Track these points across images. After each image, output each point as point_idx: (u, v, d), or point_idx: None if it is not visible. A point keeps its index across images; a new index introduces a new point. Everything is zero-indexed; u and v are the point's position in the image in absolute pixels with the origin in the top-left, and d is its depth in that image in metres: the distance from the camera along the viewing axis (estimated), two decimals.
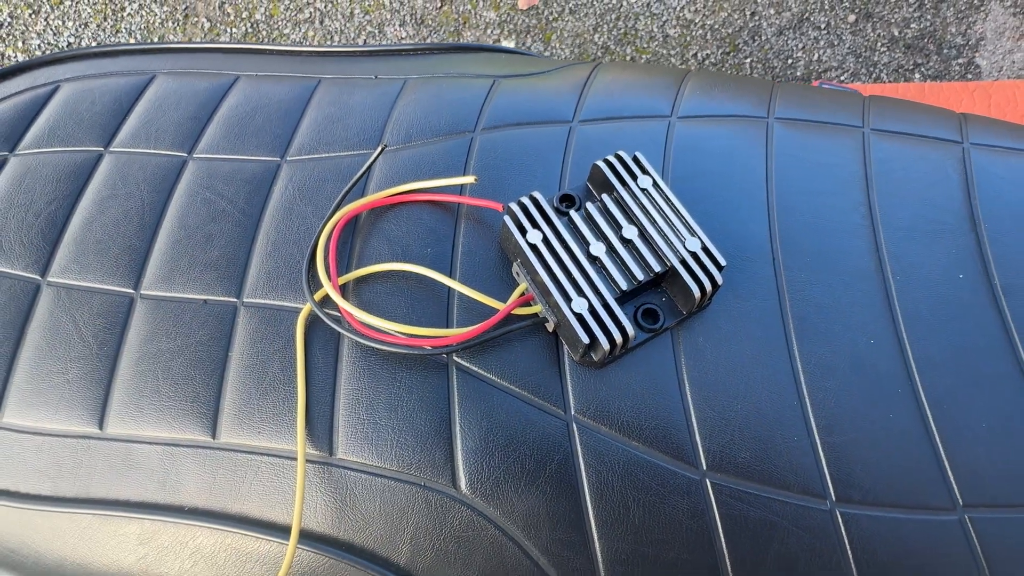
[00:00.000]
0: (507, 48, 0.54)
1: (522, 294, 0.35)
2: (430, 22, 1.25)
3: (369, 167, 0.41)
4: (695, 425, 0.33)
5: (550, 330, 0.35)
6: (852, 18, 1.25)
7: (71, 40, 1.24)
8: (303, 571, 0.34)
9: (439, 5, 1.26)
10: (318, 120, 0.45)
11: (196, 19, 1.26)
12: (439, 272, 0.36)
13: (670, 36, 1.25)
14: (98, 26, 1.25)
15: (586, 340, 0.33)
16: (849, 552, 0.32)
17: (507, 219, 0.36)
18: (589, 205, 0.37)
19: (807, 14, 1.25)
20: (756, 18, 1.25)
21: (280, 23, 1.26)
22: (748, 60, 1.24)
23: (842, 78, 1.23)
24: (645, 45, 1.25)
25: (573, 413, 0.34)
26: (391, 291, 0.37)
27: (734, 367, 0.35)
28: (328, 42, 1.26)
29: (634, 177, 0.37)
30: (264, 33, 1.25)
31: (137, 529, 0.35)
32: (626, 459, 0.33)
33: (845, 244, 0.38)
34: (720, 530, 0.32)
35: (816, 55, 1.24)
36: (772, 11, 1.25)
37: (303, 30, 1.26)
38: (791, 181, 0.40)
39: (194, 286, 0.39)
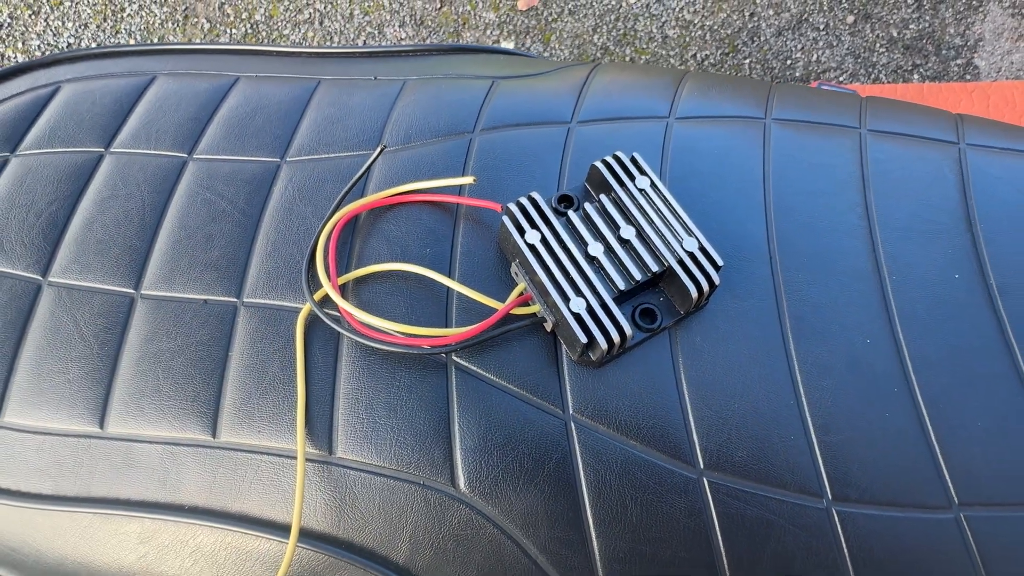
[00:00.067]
0: (506, 49, 0.54)
1: (520, 294, 0.36)
2: (429, 23, 1.25)
3: (368, 168, 0.41)
4: (692, 424, 0.34)
5: (548, 330, 0.36)
6: (851, 19, 1.25)
7: (71, 41, 1.24)
8: (303, 569, 0.34)
9: (438, 6, 1.26)
10: (318, 121, 0.45)
11: (196, 20, 1.26)
12: (438, 272, 0.37)
13: (669, 37, 1.25)
14: (98, 27, 1.25)
15: (584, 340, 0.33)
16: (845, 550, 0.32)
17: (506, 219, 0.36)
18: (587, 205, 0.37)
19: (806, 15, 1.26)
20: (755, 19, 1.26)
21: (280, 24, 1.26)
22: (747, 61, 1.24)
23: (841, 79, 1.23)
24: (644, 46, 1.25)
25: (571, 412, 0.34)
26: (390, 291, 0.38)
27: (731, 366, 0.35)
28: (327, 43, 1.26)
29: (632, 178, 0.38)
30: (264, 34, 1.26)
31: (138, 528, 0.35)
32: (624, 458, 0.33)
33: (842, 244, 0.38)
34: (717, 528, 0.32)
35: (815, 56, 1.24)
36: (771, 12, 1.26)
37: (303, 31, 1.26)
38: (788, 182, 0.40)
39: (194, 286, 0.39)
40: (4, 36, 1.23)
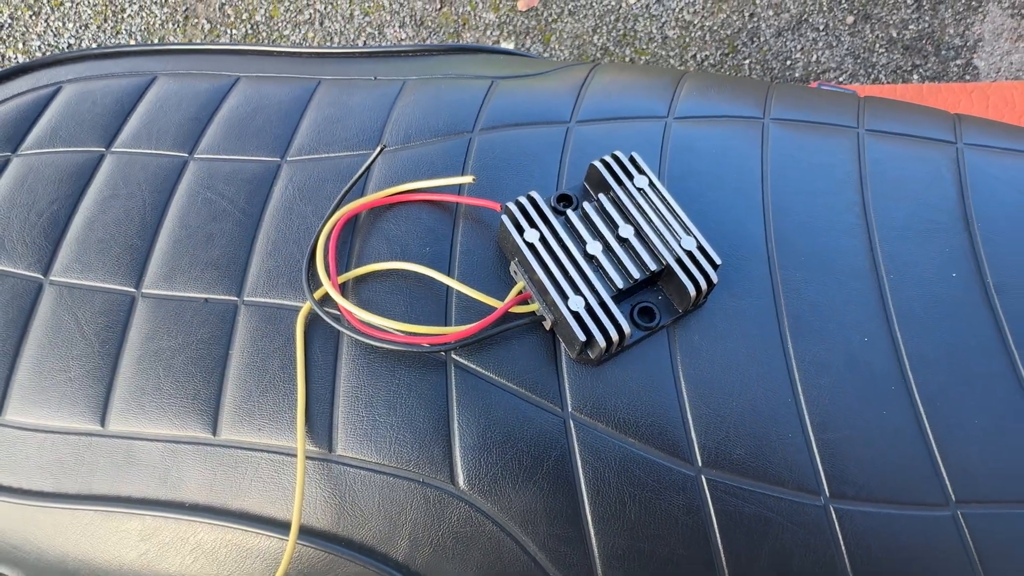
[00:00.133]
0: (505, 49, 0.54)
1: (519, 292, 0.36)
2: (429, 24, 1.26)
3: (368, 167, 0.41)
4: (691, 422, 0.34)
5: (547, 328, 0.36)
6: (850, 19, 1.26)
7: (71, 42, 1.24)
8: (303, 566, 0.34)
9: (438, 7, 1.26)
10: (318, 121, 0.45)
11: (196, 21, 1.26)
12: (438, 271, 0.37)
13: (669, 37, 1.25)
14: (98, 27, 1.25)
15: (583, 338, 0.33)
16: (843, 547, 0.32)
17: (505, 218, 0.36)
18: (586, 205, 0.37)
19: (805, 15, 1.26)
20: (755, 19, 1.26)
21: (280, 25, 1.26)
22: (747, 62, 1.24)
23: (840, 79, 1.23)
24: (644, 46, 1.25)
25: (570, 410, 0.34)
26: (390, 290, 0.38)
27: (729, 365, 0.35)
28: (328, 44, 1.26)
29: (630, 177, 0.38)
30: (264, 35, 1.26)
31: (138, 525, 0.36)
32: (622, 455, 0.33)
33: (840, 243, 0.38)
34: (715, 526, 0.32)
35: (815, 56, 1.24)
36: (771, 12, 1.26)
37: (303, 31, 1.26)
38: (787, 181, 0.41)
39: (195, 285, 0.39)
40: (5, 37, 1.24)
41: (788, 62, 1.24)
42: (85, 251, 0.41)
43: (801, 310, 0.36)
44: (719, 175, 0.41)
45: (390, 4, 1.26)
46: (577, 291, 0.34)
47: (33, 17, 1.25)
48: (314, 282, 0.38)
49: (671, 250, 0.36)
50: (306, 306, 0.37)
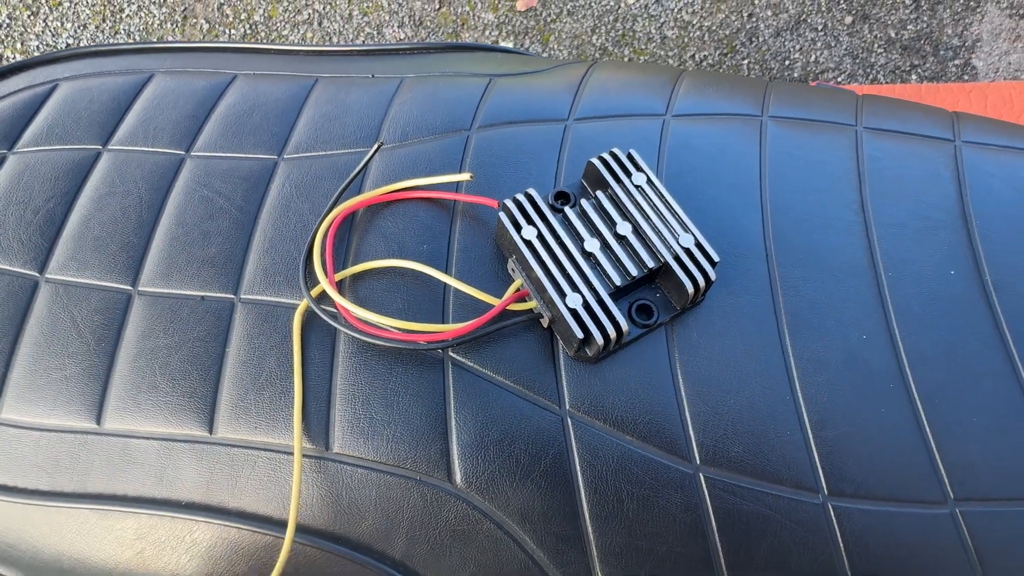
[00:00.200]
0: (503, 47, 0.54)
1: (517, 290, 0.36)
2: (428, 23, 1.26)
3: (365, 164, 0.41)
4: (688, 420, 0.34)
5: (545, 326, 0.36)
6: (849, 20, 1.26)
7: (69, 41, 1.24)
8: (299, 564, 0.34)
9: (437, 7, 1.26)
10: (315, 118, 0.45)
11: (195, 21, 1.26)
12: (435, 268, 0.37)
13: (668, 38, 1.25)
14: (96, 27, 1.25)
15: (580, 335, 0.33)
16: (841, 545, 0.32)
17: (502, 216, 0.36)
18: (584, 202, 0.37)
19: (804, 16, 1.26)
20: (753, 20, 1.26)
21: (279, 24, 1.26)
22: (746, 62, 1.24)
23: (839, 79, 1.23)
24: (643, 46, 1.25)
25: (568, 408, 0.34)
26: (387, 287, 0.38)
27: (727, 362, 0.35)
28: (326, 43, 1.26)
29: (628, 174, 0.38)
30: (263, 35, 1.26)
31: (134, 524, 0.35)
32: (620, 453, 0.33)
33: (838, 241, 0.38)
34: (713, 523, 0.32)
35: (813, 56, 1.24)
36: (769, 13, 1.26)
37: (301, 31, 1.26)
38: (785, 179, 0.41)
39: (191, 282, 0.39)
40: (3, 37, 1.24)
41: (787, 62, 1.24)
42: (81, 249, 0.41)
43: (799, 307, 0.36)
44: (717, 172, 0.41)
45: (389, 4, 1.26)
46: (575, 288, 0.34)
47: (31, 17, 1.25)
48: (311, 280, 0.38)
49: (669, 247, 0.35)
50: (303, 304, 0.37)
